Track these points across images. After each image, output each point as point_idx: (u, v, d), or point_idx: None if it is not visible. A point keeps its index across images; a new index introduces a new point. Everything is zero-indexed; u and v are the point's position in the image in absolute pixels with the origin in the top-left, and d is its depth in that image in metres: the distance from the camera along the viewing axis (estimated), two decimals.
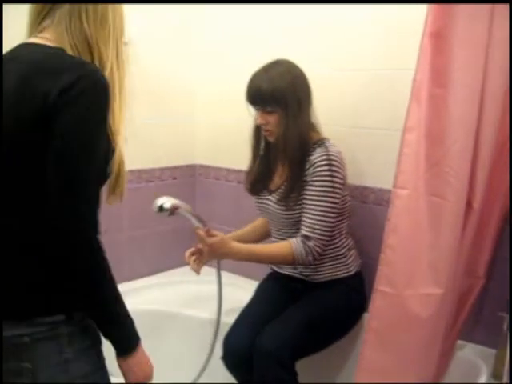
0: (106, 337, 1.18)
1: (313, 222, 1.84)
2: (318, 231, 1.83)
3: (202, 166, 2.69)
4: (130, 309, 1.20)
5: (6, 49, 1.22)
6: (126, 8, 2.15)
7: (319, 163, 1.83)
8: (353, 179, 2.09)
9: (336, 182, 1.84)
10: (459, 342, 1.91)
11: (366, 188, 2.16)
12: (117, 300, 1.15)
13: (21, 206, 1.12)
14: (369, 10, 2.06)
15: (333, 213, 1.85)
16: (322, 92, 2.02)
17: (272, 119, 1.88)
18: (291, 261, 1.87)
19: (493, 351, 1.80)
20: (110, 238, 2.36)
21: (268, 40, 2.37)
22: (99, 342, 1.23)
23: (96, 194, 1.14)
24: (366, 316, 1.96)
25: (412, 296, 1.59)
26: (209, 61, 2.62)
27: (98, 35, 1.18)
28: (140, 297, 2.39)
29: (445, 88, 1.54)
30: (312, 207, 1.84)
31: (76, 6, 1.15)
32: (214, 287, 2.05)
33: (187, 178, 2.72)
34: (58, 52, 1.15)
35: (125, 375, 1.22)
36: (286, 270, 2.07)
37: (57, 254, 1.08)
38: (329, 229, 1.85)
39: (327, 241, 1.87)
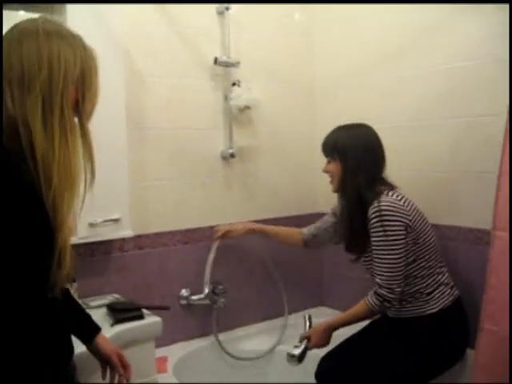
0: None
1: (380, 271, 1.97)
2: (386, 279, 1.95)
3: (324, 214, 2.86)
4: None
5: None
6: (250, 78, 2.50)
7: (371, 216, 1.97)
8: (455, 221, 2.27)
9: (388, 231, 1.93)
10: None
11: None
12: None
13: None
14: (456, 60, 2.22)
15: (395, 259, 1.93)
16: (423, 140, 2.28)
17: (331, 168, 2.12)
18: (370, 312, 2.02)
19: None
20: (253, 280, 2.64)
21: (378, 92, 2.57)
22: None
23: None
24: (469, 353, 2.01)
25: None
26: (327, 114, 2.84)
27: (22, 105, 1.08)
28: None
29: None
30: (376, 257, 1.98)
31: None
32: None
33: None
34: None
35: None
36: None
37: None
38: (397, 274, 1.94)
39: (399, 285, 1.95)
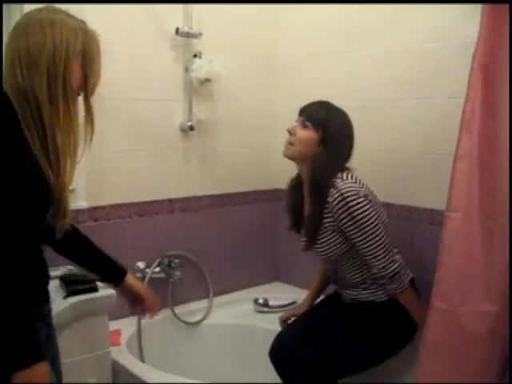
0: None
1: (373, 257, 1.92)
2: (381, 261, 1.92)
3: (282, 190, 2.87)
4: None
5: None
6: (212, 50, 2.46)
7: (337, 206, 1.90)
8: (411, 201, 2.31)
9: (362, 212, 1.88)
10: None
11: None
12: None
13: None
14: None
15: (379, 239, 1.91)
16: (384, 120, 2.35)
17: (304, 134, 1.99)
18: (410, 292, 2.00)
19: None
20: (208, 254, 2.64)
21: (345, 71, 2.57)
22: None
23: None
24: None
25: (466, 313, 1.69)
26: (289, 92, 2.83)
27: (31, 80, 1.25)
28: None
29: (494, 119, 1.65)
30: (362, 247, 1.92)
31: (11, 54, 1.27)
32: None
33: (269, 202, 2.93)
34: None
35: None
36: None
37: None
38: (382, 250, 1.91)
39: (387, 259, 1.92)
